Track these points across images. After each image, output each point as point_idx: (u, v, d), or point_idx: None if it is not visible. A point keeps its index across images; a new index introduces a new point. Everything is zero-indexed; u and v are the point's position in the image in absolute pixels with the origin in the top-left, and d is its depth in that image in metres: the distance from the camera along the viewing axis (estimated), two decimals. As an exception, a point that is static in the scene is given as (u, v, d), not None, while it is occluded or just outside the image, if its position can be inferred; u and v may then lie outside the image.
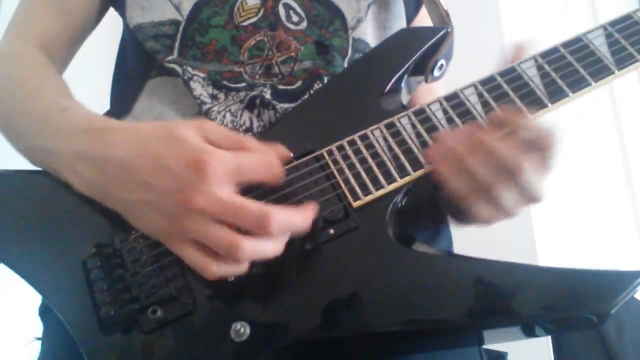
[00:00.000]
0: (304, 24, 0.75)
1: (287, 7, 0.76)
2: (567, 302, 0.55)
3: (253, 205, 0.50)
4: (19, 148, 0.68)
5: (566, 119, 1.56)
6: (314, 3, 0.77)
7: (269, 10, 0.75)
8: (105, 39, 0.93)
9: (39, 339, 0.68)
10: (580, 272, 0.56)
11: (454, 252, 0.74)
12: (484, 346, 1.11)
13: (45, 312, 0.68)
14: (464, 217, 0.62)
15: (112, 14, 0.86)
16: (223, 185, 0.50)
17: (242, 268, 0.53)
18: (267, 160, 0.54)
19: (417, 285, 0.57)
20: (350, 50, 0.75)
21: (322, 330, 0.56)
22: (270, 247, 0.53)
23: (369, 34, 0.77)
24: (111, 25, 0.88)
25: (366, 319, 0.57)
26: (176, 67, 0.72)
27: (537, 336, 0.59)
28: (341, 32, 0.76)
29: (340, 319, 0.57)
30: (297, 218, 0.54)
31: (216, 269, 0.52)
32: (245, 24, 0.74)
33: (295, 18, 0.75)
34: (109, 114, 0.80)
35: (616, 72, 0.63)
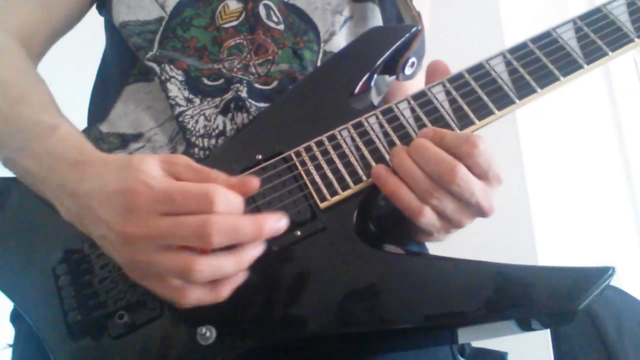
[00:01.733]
0: (282, 27, 0.76)
1: (268, 7, 0.76)
2: (534, 300, 0.54)
3: (188, 219, 0.47)
4: None
5: (566, 119, 1.55)
6: (290, 12, 0.77)
7: (250, 11, 0.76)
8: (92, 47, 0.93)
9: (10, 345, 0.68)
10: (547, 270, 0.56)
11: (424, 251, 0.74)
12: (482, 345, 1.11)
13: (16, 318, 0.68)
14: (417, 230, 0.63)
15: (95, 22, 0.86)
16: (152, 213, 0.48)
17: (217, 293, 0.51)
18: (206, 190, 0.48)
19: (385, 285, 0.56)
20: (319, 64, 0.76)
21: (289, 332, 0.56)
22: (231, 263, 0.50)
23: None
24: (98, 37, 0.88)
25: (334, 320, 0.56)
26: (155, 66, 0.73)
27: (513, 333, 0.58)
28: (314, 44, 0.76)
29: (308, 321, 0.56)
30: (246, 224, 0.49)
31: (187, 297, 0.50)
32: (226, 26, 0.75)
33: (274, 19, 0.76)
34: (87, 121, 0.81)
35: (585, 66, 0.63)
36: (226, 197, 0.48)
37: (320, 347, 0.59)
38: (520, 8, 1.57)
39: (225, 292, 0.52)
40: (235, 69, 0.73)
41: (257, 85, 0.72)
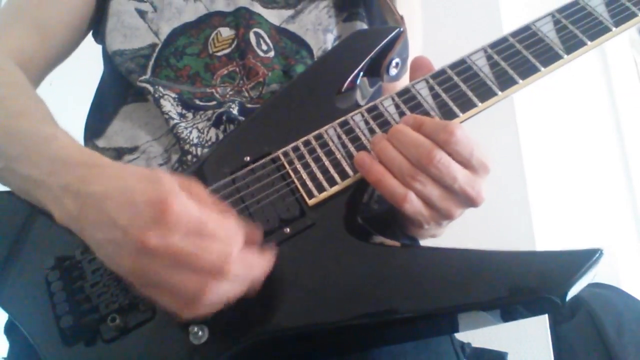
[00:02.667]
0: (272, 54, 0.77)
1: (258, 35, 0.78)
2: (523, 284, 0.54)
3: (214, 248, 0.48)
4: None
5: (566, 119, 1.56)
6: (281, 37, 0.79)
7: (241, 37, 0.77)
8: (87, 67, 0.95)
9: (5, 358, 0.68)
10: (536, 254, 0.56)
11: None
12: (481, 346, 1.10)
13: (10, 330, 0.68)
14: (407, 222, 0.63)
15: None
16: (179, 232, 0.48)
17: (217, 308, 0.51)
18: (231, 227, 0.50)
19: (376, 278, 0.56)
20: None
21: (282, 330, 0.56)
22: (238, 289, 0.51)
23: None
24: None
25: (328, 316, 0.56)
26: (148, 85, 0.74)
27: (507, 321, 0.58)
28: (307, 59, 0.78)
29: (301, 317, 0.56)
30: (256, 262, 0.52)
31: (188, 313, 0.50)
32: (219, 54, 0.77)
33: (264, 47, 0.78)
34: (83, 138, 0.82)
35: (565, 57, 0.64)
36: (242, 237, 0.51)
37: (315, 344, 0.59)
38: (521, 11, 1.59)
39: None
40: (227, 95, 0.74)
41: (248, 105, 0.73)
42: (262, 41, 0.78)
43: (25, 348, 0.59)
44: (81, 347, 0.57)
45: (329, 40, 0.80)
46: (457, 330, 0.60)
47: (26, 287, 0.61)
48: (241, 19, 0.78)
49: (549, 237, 1.38)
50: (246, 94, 0.74)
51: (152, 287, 0.50)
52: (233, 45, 0.77)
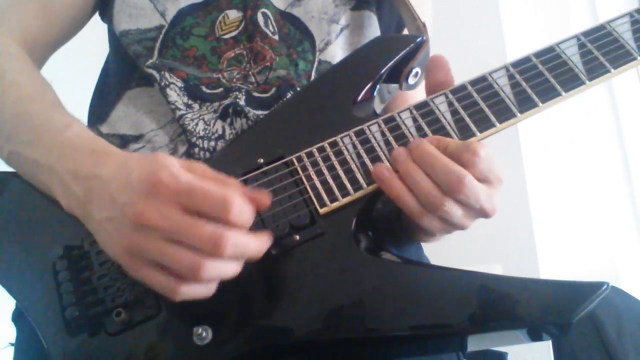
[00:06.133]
0: (277, 37, 0.77)
1: (266, 16, 0.77)
2: (527, 313, 0.55)
3: (206, 226, 0.48)
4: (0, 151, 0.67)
5: (565, 119, 1.55)
6: (285, 22, 0.79)
7: (249, 19, 0.77)
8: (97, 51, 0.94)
9: (12, 344, 0.69)
10: (543, 283, 0.56)
11: (423, 260, 0.74)
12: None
13: (18, 318, 0.69)
14: (417, 231, 0.64)
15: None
16: (173, 204, 0.48)
17: (210, 288, 0.52)
18: (225, 196, 0.48)
19: (380, 292, 0.57)
20: (314, 73, 0.77)
21: (284, 336, 0.57)
22: (231, 267, 0.51)
23: (338, 56, 0.78)
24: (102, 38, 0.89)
25: (329, 325, 0.57)
26: (154, 72, 0.74)
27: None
28: (308, 54, 0.77)
29: (303, 325, 0.57)
30: (252, 243, 0.52)
31: (182, 291, 0.50)
32: (226, 37, 0.77)
33: (271, 28, 0.77)
34: (87, 122, 0.82)
35: (587, 82, 0.63)
36: (241, 206, 0.49)
37: (316, 351, 0.59)
38: (520, 8, 1.58)
39: (215, 287, 0.53)
40: (234, 79, 0.74)
41: (255, 94, 0.73)
42: (269, 22, 0.77)
43: (32, 336, 0.60)
44: (85, 339, 0.58)
45: (334, 32, 0.79)
46: (466, 349, 0.61)
47: (34, 275, 0.61)
48: (249, 1, 0.78)
49: (549, 237, 1.38)
50: (252, 79, 0.74)
51: (147, 265, 0.50)
52: (240, 28, 0.77)
